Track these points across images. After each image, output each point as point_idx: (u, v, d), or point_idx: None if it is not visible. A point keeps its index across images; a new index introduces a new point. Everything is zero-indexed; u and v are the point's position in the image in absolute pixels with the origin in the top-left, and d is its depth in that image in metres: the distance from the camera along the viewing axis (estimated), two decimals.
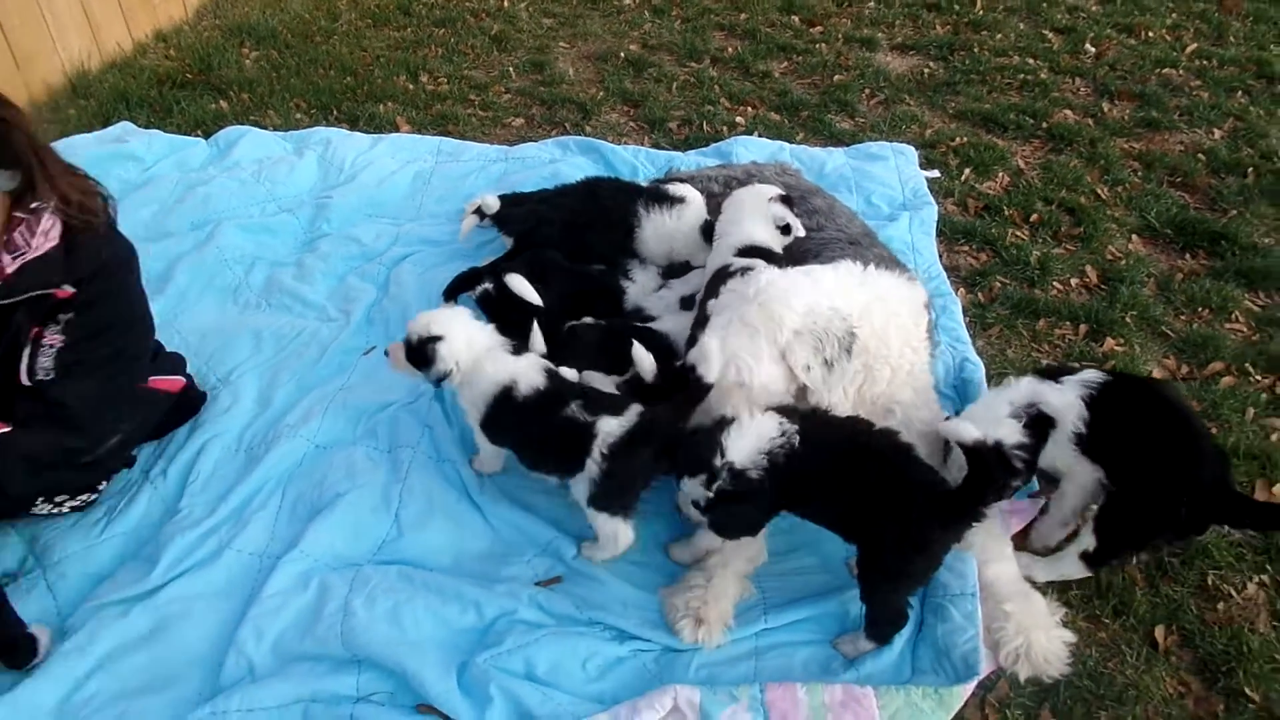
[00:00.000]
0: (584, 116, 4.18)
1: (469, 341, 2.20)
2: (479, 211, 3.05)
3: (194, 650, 2.00)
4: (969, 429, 1.83)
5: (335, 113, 4.17)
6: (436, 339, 2.18)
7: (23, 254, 1.91)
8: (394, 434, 2.50)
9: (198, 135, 3.88)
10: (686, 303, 2.60)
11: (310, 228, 3.37)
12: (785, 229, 2.58)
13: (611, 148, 3.73)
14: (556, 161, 3.66)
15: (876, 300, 2.25)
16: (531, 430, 2.16)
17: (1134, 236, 3.38)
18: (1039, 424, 2.11)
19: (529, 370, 2.17)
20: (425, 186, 3.59)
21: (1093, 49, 4.76)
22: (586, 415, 2.06)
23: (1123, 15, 5.15)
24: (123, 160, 3.61)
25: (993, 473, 1.84)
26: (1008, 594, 2.08)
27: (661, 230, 2.81)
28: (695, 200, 2.82)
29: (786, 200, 2.65)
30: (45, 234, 1.93)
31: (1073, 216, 3.49)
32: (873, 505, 1.88)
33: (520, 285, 2.52)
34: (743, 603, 2.11)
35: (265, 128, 3.93)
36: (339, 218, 3.38)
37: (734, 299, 2.23)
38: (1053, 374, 2.19)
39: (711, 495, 1.92)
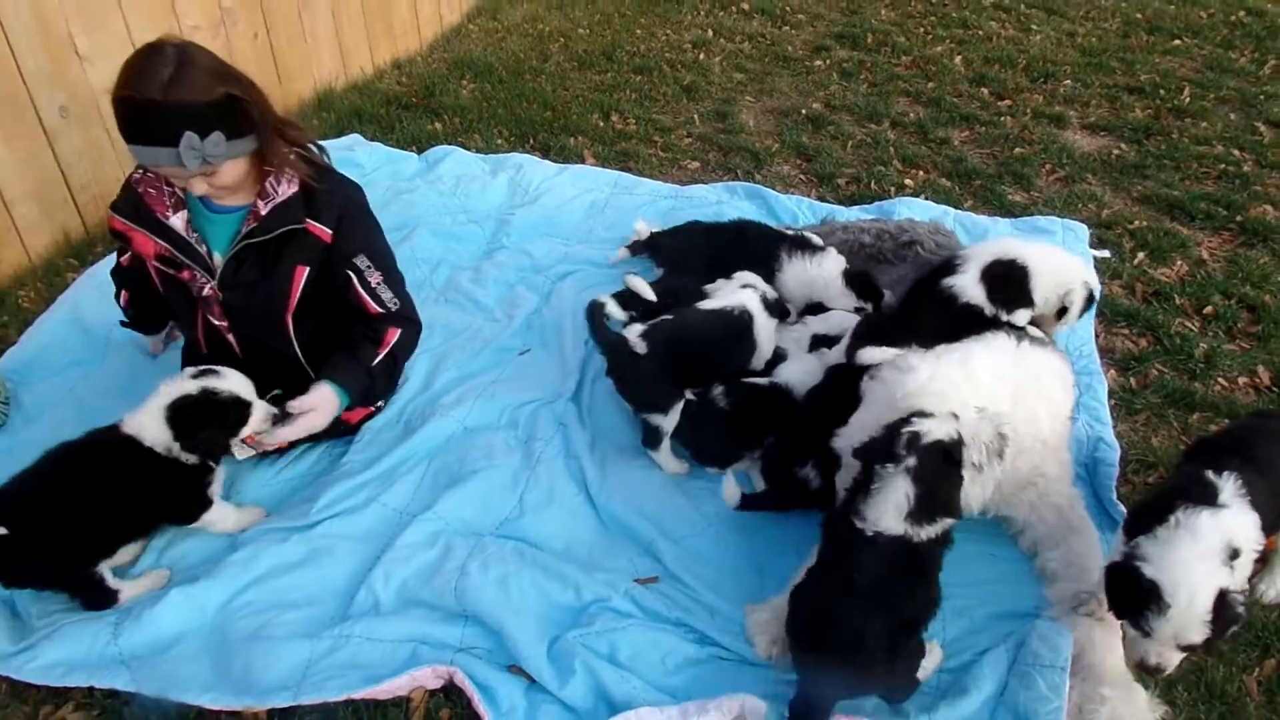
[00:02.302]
0: (756, 165, 4.38)
1: None
2: (633, 245, 3.32)
3: (333, 580, 2.29)
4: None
5: (531, 141, 4.59)
6: None
7: (272, 199, 2.35)
8: (532, 427, 2.75)
9: (412, 150, 4.38)
10: (817, 342, 2.70)
11: (492, 239, 3.74)
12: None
13: (775, 195, 3.90)
14: (721, 203, 3.86)
15: (1031, 380, 2.25)
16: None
17: None
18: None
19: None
20: (599, 214, 3.89)
21: None
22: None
23: None
24: (348, 166, 4.14)
25: None
26: (1109, 680, 2.03)
27: (801, 275, 2.94)
28: (832, 250, 2.95)
29: (995, 278, 2.53)
30: (289, 182, 2.36)
31: (1253, 314, 3.30)
32: None
33: (637, 284, 2.73)
34: None
35: (469, 149, 4.37)
36: (518, 233, 3.73)
37: (882, 395, 2.21)
38: (1204, 496, 1.95)
39: None
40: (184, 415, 2.20)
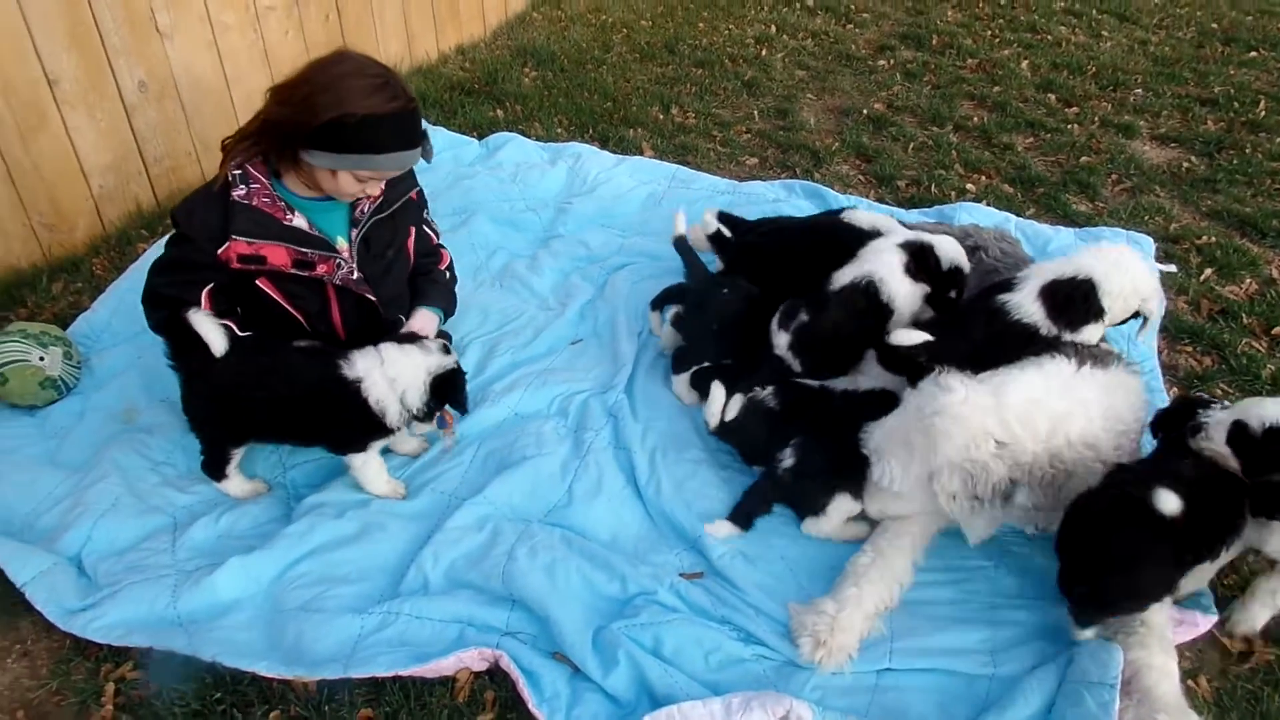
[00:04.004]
0: (815, 164, 4.34)
1: None
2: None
3: (384, 557, 2.33)
4: None
5: (591, 131, 4.60)
6: None
7: None
8: (582, 417, 2.77)
9: (473, 136, 4.42)
10: None
11: (549, 227, 3.76)
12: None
13: (835, 195, 3.87)
14: (779, 201, 3.84)
15: (1092, 401, 2.20)
16: None
17: None
18: None
19: None
20: (655, 207, 3.89)
21: None
22: None
23: None
24: None
25: None
26: (1164, 706, 1.98)
27: None
28: None
29: (1057, 296, 2.45)
30: None
31: None
32: None
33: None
34: (869, 638, 2.16)
35: (529, 137, 4.40)
36: (574, 222, 3.75)
37: (915, 405, 2.23)
38: None
39: None
40: (445, 384, 2.41)
